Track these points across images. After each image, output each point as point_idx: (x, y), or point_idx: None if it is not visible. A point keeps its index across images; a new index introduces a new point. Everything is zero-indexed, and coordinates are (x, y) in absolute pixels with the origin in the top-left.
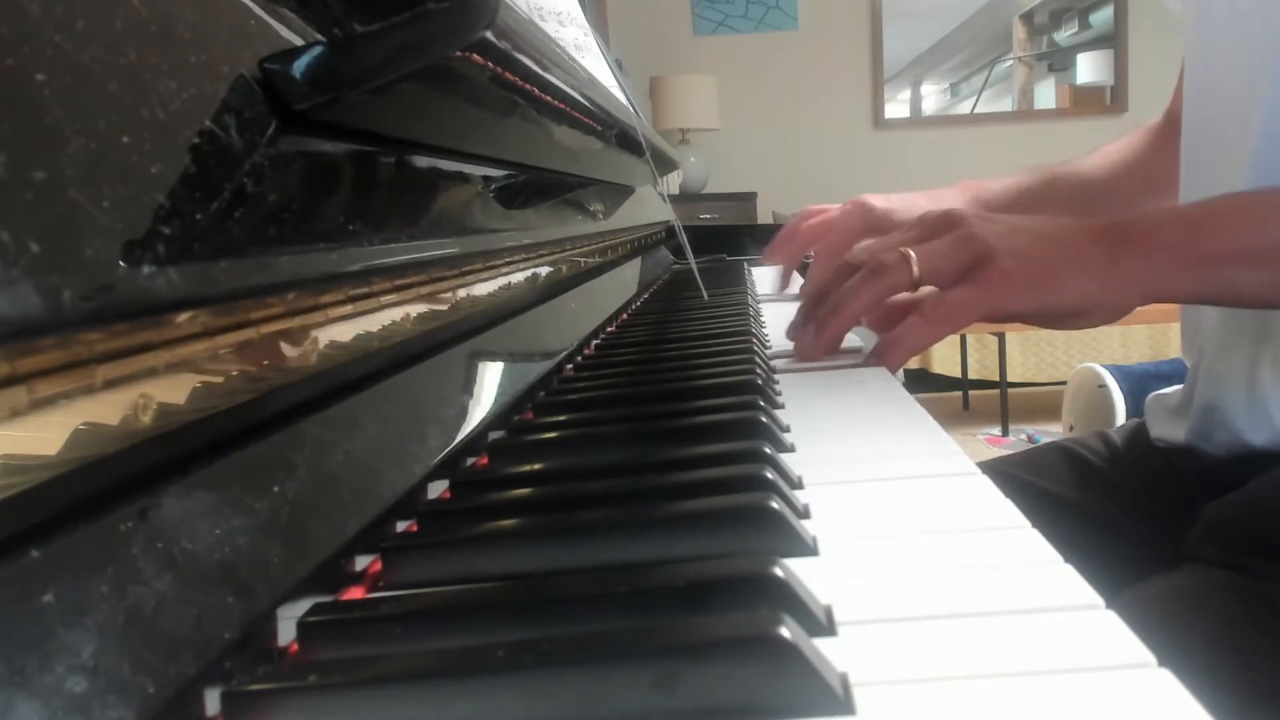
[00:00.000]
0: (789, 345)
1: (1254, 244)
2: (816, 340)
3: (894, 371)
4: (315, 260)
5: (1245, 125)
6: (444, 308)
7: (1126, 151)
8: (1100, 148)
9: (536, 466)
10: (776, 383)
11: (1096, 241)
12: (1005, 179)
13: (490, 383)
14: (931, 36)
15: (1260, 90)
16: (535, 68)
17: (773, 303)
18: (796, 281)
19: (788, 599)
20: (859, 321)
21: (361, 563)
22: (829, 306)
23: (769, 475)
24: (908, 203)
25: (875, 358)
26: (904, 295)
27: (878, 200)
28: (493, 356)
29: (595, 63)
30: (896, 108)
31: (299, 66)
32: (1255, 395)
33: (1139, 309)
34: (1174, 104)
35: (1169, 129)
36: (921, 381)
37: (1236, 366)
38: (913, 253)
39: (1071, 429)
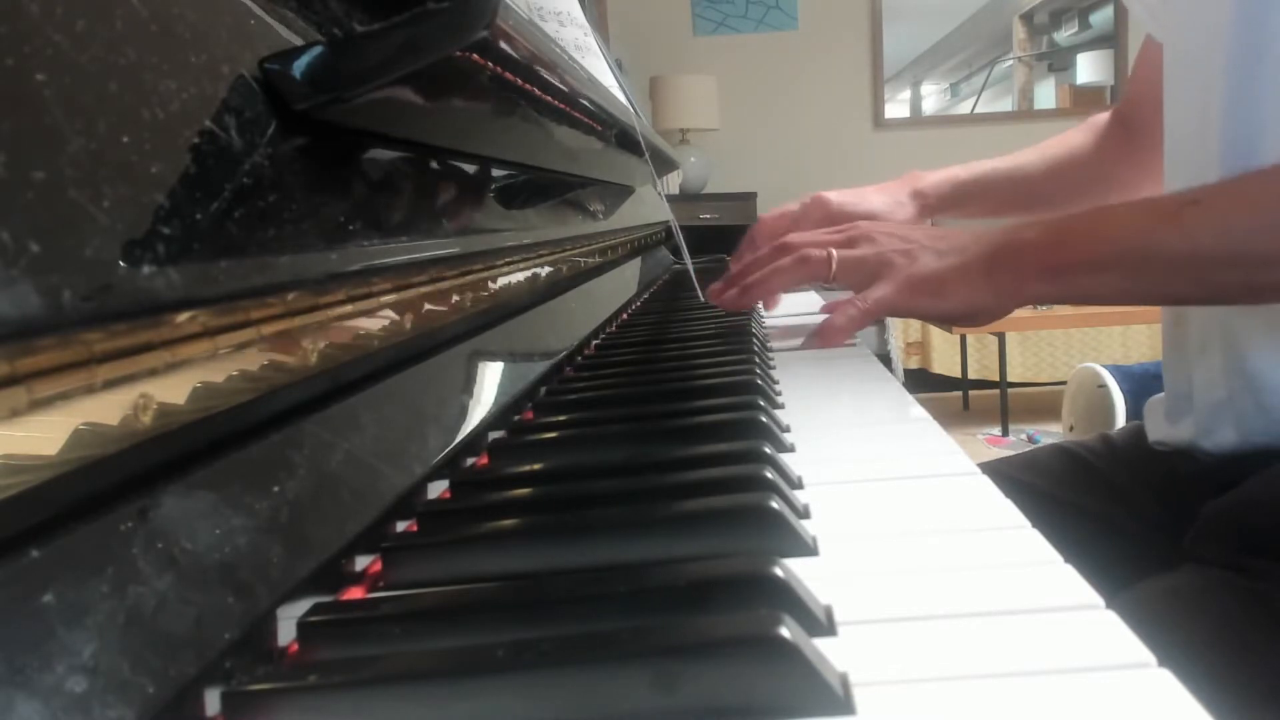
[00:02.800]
0: (788, 342)
1: (1099, 255)
2: (737, 299)
3: (829, 346)
4: (315, 260)
5: (1209, 124)
6: (444, 308)
7: (1068, 148)
8: (1041, 143)
9: (536, 466)
10: (776, 383)
11: (978, 255)
12: (946, 171)
13: (490, 383)
14: (931, 36)
15: (1219, 90)
16: (535, 68)
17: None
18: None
19: (788, 599)
20: (777, 293)
21: (361, 563)
22: (758, 276)
23: (769, 475)
24: (860, 197)
25: (816, 337)
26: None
27: (833, 195)
28: (493, 356)
29: (595, 63)
30: (896, 108)
31: (299, 66)
32: (1251, 391)
33: (1139, 308)
34: (1123, 106)
35: (1115, 129)
36: (921, 381)
37: (1232, 361)
38: (835, 254)
39: (1071, 429)
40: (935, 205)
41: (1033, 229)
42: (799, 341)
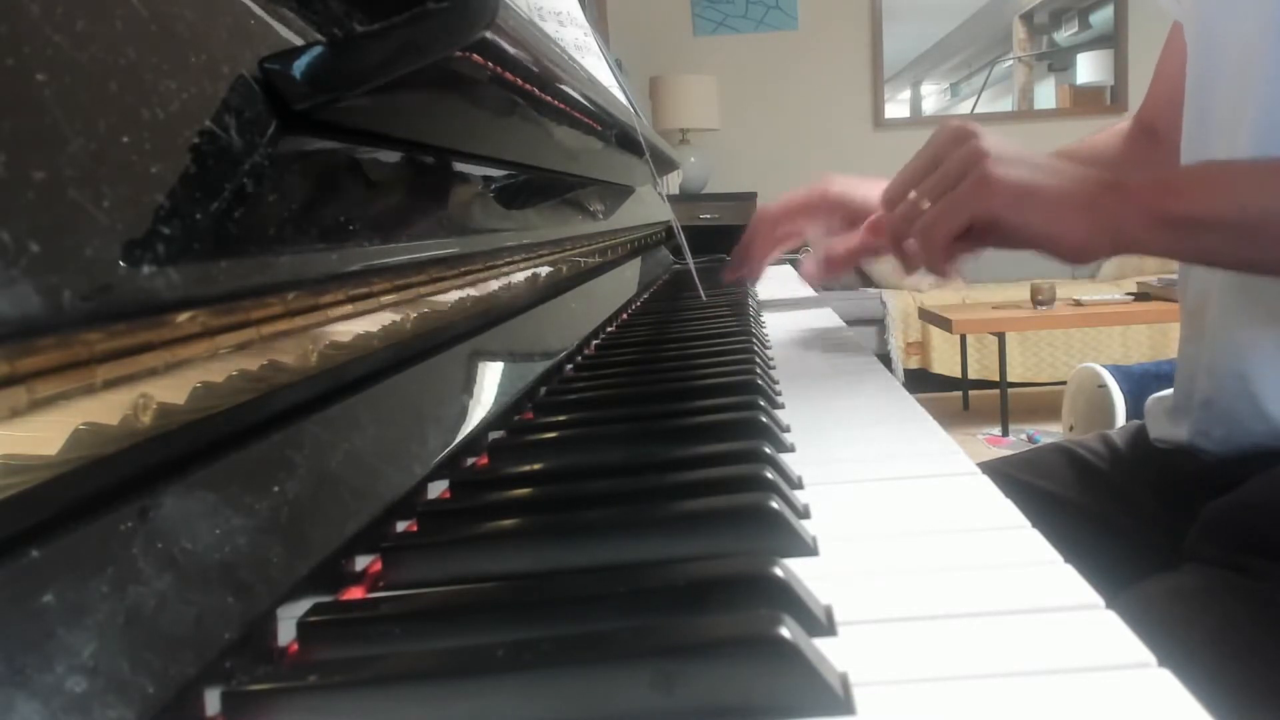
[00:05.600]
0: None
1: (1214, 209)
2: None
3: (912, 274)
4: (315, 260)
5: (1242, 111)
6: (444, 308)
7: (1095, 150)
8: (1065, 145)
9: (536, 466)
10: (776, 383)
11: (1083, 183)
12: None
13: (490, 383)
14: (931, 36)
15: (1256, 76)
16: (535, 68)
17: (774, 307)
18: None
19: (788, 599)
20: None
21: (361, 563)
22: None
23: (769, 475)
24: (869, 187)
25: (899, 275)
26: None
27: (838, 186)
28: (493, 356)
29: (595, 63)
30: (896, 108)
31: (299, 66)
32: (1254, 386)
33: (1139, 308)
34: (1144, 111)
35: (1137, 134)
36: (921, 381)
37: (1237, 357)
38: (932, 208)
39: (1071, 429)
40: None
41: (1140, 176)
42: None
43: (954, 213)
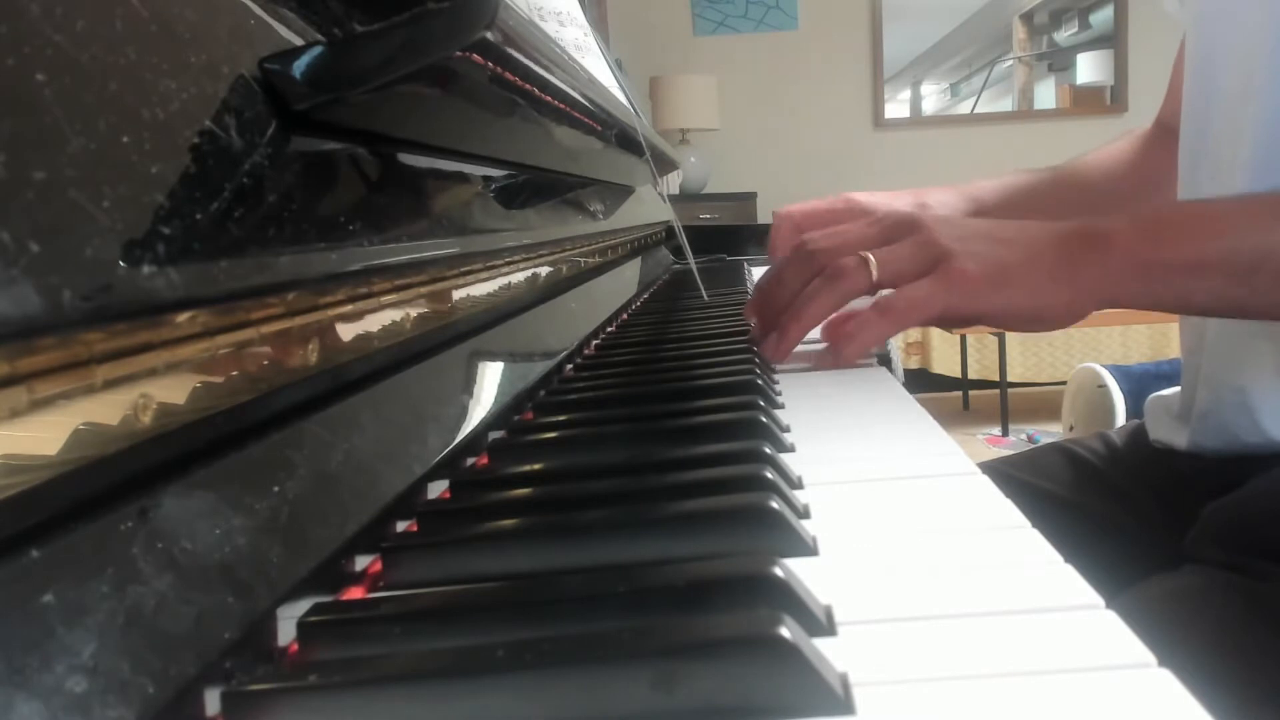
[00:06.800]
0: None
1: (1204, 254)
2: (778, 346)
3: (845, 365)
4: (315, 260)
5: (1241, 124)
6: (444, 308)
7: (1120, 156)
8: (1094, 151)
9: (536, 466)
10: (776, 383)
11: (1055, 246)
12: (1000, 179)
13: (490, 383)
14: (931, 36)
15: (1256, 89)
16: (535, 68)
17: None
18: None
19: (788, 599)
20: (813, 327)
21: (361, 563)
22: (790, 312)
23: (769, 475)
24: (895, 201)
25: (830, 353)
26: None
27: (862, 197)
28: (493, 356)
29: (595, 63)
30: (896, 108)
31: (299, 66)
32: (1251, 400)
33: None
34: (1164, 112)
35: (1160, 135)
36: (921, 381)
37: (1235, 370)
38: (872, 257)
39: (1071, 429)
40: (992, 210)
41: (1122, 219)
42: (808, 363)
43: (924, 304)
